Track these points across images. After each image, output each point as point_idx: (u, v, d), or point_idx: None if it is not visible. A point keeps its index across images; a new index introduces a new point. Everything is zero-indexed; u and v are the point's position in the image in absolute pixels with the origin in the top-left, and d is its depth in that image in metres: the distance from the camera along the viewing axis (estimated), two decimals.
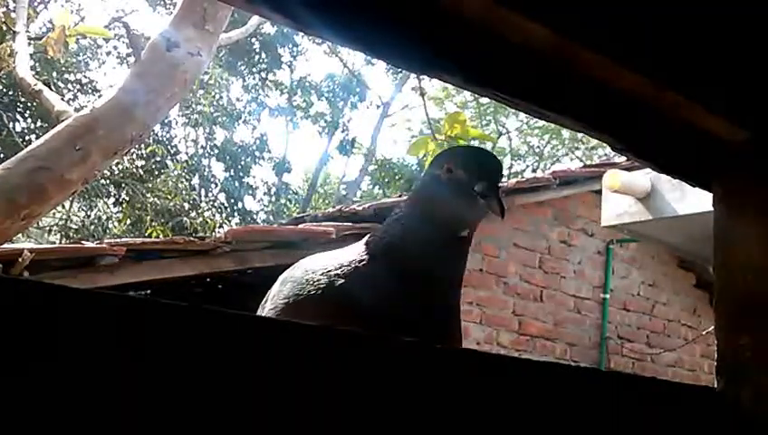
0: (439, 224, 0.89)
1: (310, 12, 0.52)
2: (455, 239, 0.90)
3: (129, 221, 10.18)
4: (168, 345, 0.38)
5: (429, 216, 0.90)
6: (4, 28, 3.46)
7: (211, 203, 12.84)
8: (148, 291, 4.26)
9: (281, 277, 0.96)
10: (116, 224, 10.80)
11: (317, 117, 14.36)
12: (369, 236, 0.94)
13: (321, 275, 0.89)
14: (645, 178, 2.89)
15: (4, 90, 9.53)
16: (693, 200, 2.66)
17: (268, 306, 0.93)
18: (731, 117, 0.70)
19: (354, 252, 0.91)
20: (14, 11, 3.48)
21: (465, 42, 0.58)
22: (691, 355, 5.45)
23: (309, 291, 0.88)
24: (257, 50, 13.33)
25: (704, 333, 5.02)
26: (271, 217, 13.39)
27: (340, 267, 0.88)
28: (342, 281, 0.87)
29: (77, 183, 2.36)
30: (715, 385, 0.73)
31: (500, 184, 0.91)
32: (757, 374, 0.70)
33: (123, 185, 9.90)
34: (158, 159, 10.43)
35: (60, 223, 10.52)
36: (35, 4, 9.45)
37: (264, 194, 14.15)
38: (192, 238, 3.88)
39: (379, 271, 0.88)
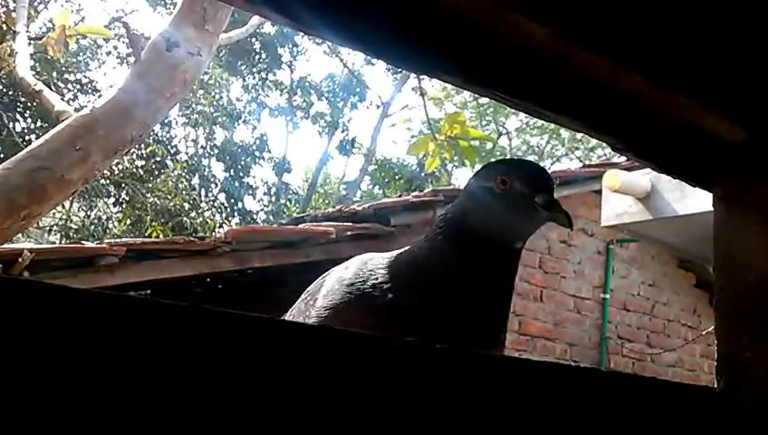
0: (496, 237, 0.88)
1: (310, 12, 0.52)
2: (511, 251, 0.90)
3: (129, 221, 10.18)
4: (167, 345, 0.38)
5: (484, 229, 0.88)
6: (5, 28, 3.46)
7: (211, 203, 12.85)
8: (149, 291, 4.26)
9: (336, 276, 0.93)
10: (116, 224, 10.81)
11: (317, 117, 14.37)
12: (414, 248, 0.93)
13: (371, 287, 0.87)
14: (645, 178, 2.89)
15: (5, 90, 9.53)
16: (693, 200, 2.66)
17: (321, 302, 0.91)
18: (731, 117, 0.70)
19: (402, 264, 0.90)
20: (14, 11, 3.48)
21: (465, 42, 0.58)
22: (691, 355, 5.45)
23: (357, 302, 0.87)
24: (257, 50, 13.34)
25: (704, 333, 5.02)
26: (271, 217, 13.41)
27: (389, 283, 0.87)
28: (391, 297, 0.86)
29: (77, 183, 2.36)
30: (715, 385, 0.73)
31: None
32: (757, 374, 0.70)
33: (123, 185, 9.91)
34: (158, 159, 10.44)
35: (60, 223, 10.52)
36: (35, 3, 9.45)
37: (264, 194, 14.17)
38: (192, 238, 3.89)
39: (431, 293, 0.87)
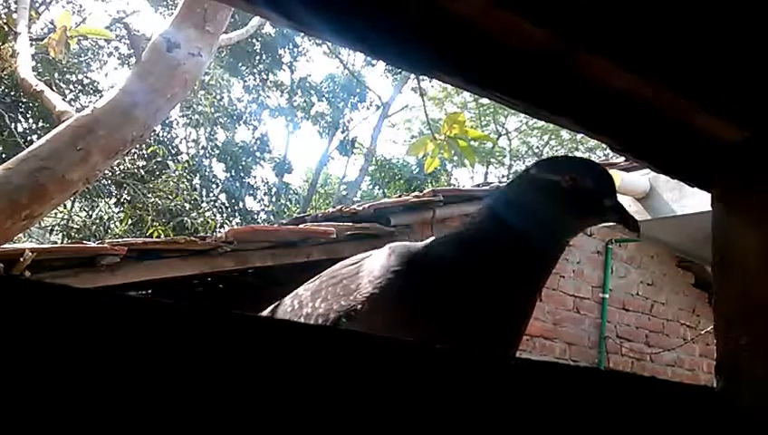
0: (555, 229, 0.89)
1: (310, 12, 0.52)
2: (562, 246, 0.91)
3: (130, 221, 10.17)
4: (168, 345, 0.38)
5: (540, 221, 0.89)
6: (6, 29, 3.46)
7: (212, 203, 12.85)
8: (150, 291, 4.26)
9: (378, 265, 0.90)
10: (117, 224, 10.80)
11: (317, 117, 14.38)
12: (458, 237, 0.91)
13: (420, 278, 0.86)
14: (644, 178, 2.89)
15: (6, 90, 9.54)
16: (692, 200, 2.66)
17: (368, 289, 0.88)
18: (730, 117, 0.70)
19: (448, 257, 0.89)
20: (15, 12, 3.48)
21: (464, 43, 0.58)
22: (690, 355, 5.44)
23: (405, 293, 0.86)
24: (258, 51, 13.34)
25: (703, 332, 5.02)
26: (271, 217, 13.40)
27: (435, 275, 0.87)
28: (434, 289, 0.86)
29: (78, 183, 2.36)
30: (715, 385, 0.73)
31: None
32: (757, 374, 0.70)
33: (124, 185, 9.91)
34: (160, 159, 10.44)
35: (61, 223, 10.52)
36: (37, 5, 9.46)
37: (265, 194, 14.17)
38: (193, 238, 3.88)
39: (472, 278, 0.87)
